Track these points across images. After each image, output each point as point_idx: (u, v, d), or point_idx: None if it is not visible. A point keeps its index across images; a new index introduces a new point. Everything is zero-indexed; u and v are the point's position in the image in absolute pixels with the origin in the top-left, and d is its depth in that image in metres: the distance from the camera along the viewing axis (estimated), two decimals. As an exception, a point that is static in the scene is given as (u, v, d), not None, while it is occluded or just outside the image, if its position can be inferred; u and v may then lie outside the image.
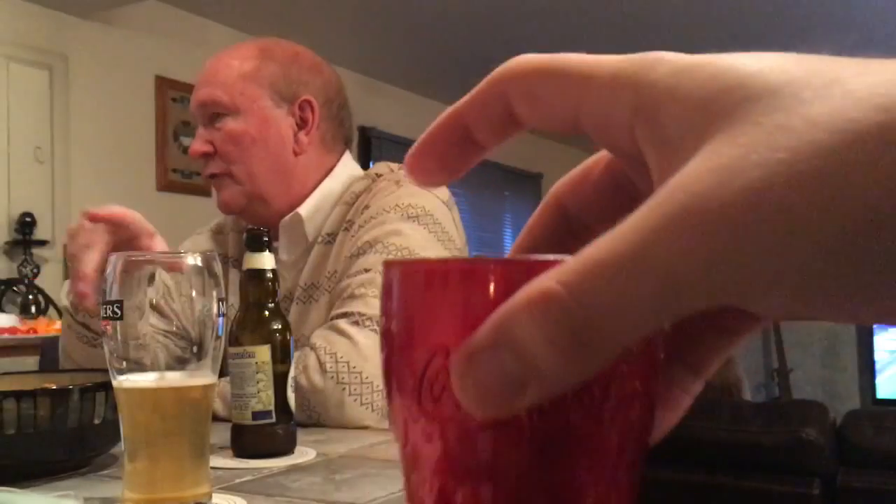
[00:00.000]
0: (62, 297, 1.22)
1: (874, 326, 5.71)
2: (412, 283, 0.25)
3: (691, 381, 0.27)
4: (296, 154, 1.27)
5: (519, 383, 0.21)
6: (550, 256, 0.22)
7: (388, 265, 0.26)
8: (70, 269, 1.09)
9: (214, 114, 1.24)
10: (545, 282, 0.21)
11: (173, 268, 0.67)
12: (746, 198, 0.19)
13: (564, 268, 0.21)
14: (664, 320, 0.21)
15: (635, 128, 0.23)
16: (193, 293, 0.66)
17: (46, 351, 2.54)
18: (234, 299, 1.18)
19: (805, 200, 0.19)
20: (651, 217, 0.20)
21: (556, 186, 0.29)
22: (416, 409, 0.24)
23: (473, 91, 0.26)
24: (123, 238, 1.05)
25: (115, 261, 0.66)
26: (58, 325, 1.23)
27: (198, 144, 1.26)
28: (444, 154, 0.27)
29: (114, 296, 0.64)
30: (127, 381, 0.64)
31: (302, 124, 1.27)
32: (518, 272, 0.22)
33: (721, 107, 0.21)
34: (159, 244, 1.11)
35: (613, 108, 0.23)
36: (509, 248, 0.30)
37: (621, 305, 0.20)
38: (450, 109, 0.27)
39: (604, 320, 0.20)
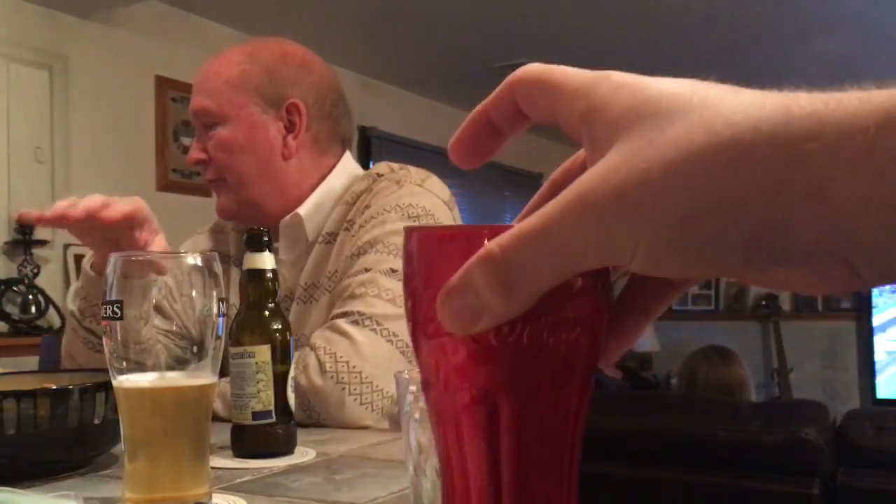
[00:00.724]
0: (68, 303, 1.22)
1: (873, 327, 5.70)
2: (428, 244, 0.34)
3: (642, 320, 0.36)
4: (285, 158, 1.27)
5: (477, 313, 0.30)
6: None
7: (409, 230, 0.34)
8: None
9: (207, 122, 1.26)
10: (491, 244, 0.29)
11: (161, 270, 0.67)
12: (615, 193, 0.28)
13: (505, 234, 0.29)
14: (565, 275, 0.29)
15: (582, 129, 0.31)
16: (194, 293, 0.66)
17: (46, 350, 2.54)
18: (235, 299, 1.18)
19: (650, 198, 0.27)
20: (559, 201, 0.29)
21: (555, 172, 0.37)
22: (424, 336, 0.33)
23: (494, 91, 0.34)
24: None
25: (115, 261, 0.66)
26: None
27: (194, 152, 1.28)
28: (475, 141, 0.35)
29: (114, 296, 0.64)
30: (127, 380, 0.64)
31: (290, 128, 1.27)
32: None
33: (626, 121, 0.29)
34: (159, 244, 1.11)
35: (572, 112, 0.31)
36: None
37: (532, 264, 0.29)
38: (478, 106, 0.35)
39: (521, 273, 0.29)
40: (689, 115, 0.28)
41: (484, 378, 0.32)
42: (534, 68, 0.33)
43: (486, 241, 0.30)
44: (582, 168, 0.34)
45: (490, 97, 0.34)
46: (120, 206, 1.05)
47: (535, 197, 0.37)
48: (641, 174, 0.27)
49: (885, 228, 0.25)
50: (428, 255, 0.33)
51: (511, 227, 0.30)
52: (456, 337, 0.31)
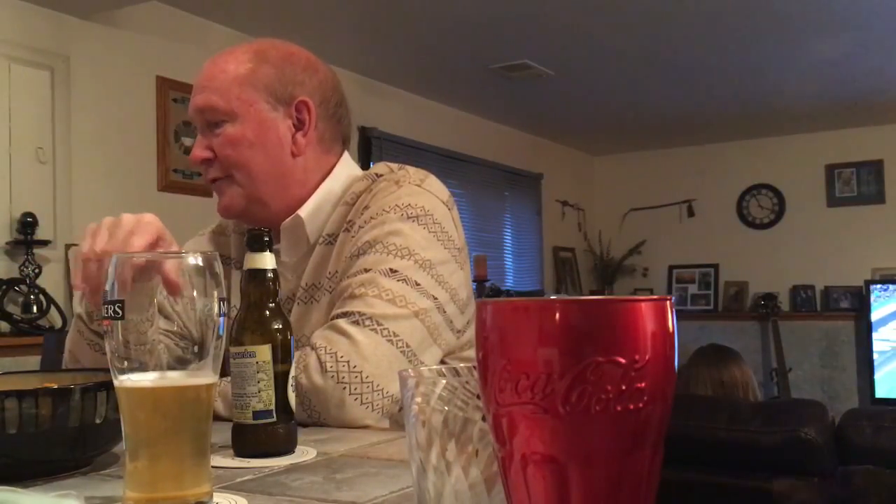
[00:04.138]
0: (75, 305, 1.23)
1: (872, 325, 5.68)
2: (501, 316, 0.35)
3: None
4: (294, 156, 1.27)
5: None
6: (600, 297, 0.32)
7: (481, 303, 0.36)
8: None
9: (212, 119, 1.24)
10: None
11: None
12: None
13: None
14: None
15: None
16: (195, 293, 0.66)
17: (48, 350, 2.55)
18: (236, 301, 1.18)
19: None
20: None
21: None
22: (496, 404, 0.34)
23: None
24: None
25: (116, 261, 0.66)
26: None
27: (198, 151, 1.26)
28: None
29: (114, 296, 0.65)
30: (128, 380, 0.65)
31: (299, 125, 1.27)
32: (577, 308, 0.32)
33: None
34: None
35: None
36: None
37: None
38: None
39: None
40: None
41: (553, 446, 0.33)
42: None
43: (557, 314, 0.32)
44: None
45: None
46: (139, 243, 1.03)
47: None
48: None
49: None
50: (500, 326, 0.34)
51: (577, 300, 0.31)
52: (526, 406, 0.32)
